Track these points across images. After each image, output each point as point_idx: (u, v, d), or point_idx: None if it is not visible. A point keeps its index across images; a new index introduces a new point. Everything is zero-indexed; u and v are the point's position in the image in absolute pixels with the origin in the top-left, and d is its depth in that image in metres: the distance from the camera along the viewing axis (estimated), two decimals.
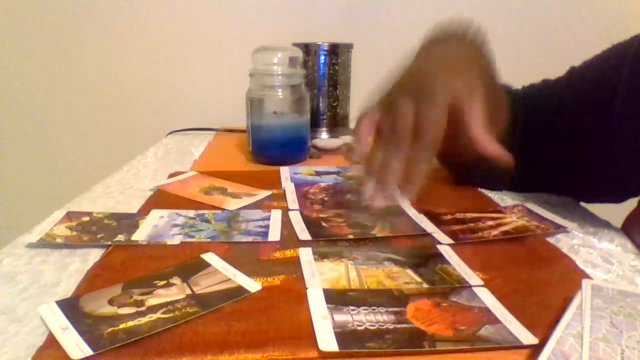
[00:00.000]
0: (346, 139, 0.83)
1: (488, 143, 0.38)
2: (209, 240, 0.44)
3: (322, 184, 0.61)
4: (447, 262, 0.40)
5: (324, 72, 0.82)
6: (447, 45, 0.43)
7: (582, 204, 0.58)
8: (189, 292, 0.34)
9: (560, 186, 0.59)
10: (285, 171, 0.67)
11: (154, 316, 0.31)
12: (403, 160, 0.38)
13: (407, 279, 0.37)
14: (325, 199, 0.56)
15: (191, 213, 0.50)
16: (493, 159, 0.38)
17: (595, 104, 0.51)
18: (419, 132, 0.37)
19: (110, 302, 0.33)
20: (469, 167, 0.58)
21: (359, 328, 0.30)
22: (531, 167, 0.58)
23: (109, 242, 0.43)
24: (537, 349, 0.28)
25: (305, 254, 0.41)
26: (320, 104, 0.84)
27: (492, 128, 0.38)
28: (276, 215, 0.50)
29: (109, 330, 0.30)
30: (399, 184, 0.39)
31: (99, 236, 0.44)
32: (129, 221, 0.48)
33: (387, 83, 0.41)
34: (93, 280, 0.36)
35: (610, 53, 0.53)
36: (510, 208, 0.53)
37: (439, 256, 0.41)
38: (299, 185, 0.60)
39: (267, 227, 0.47)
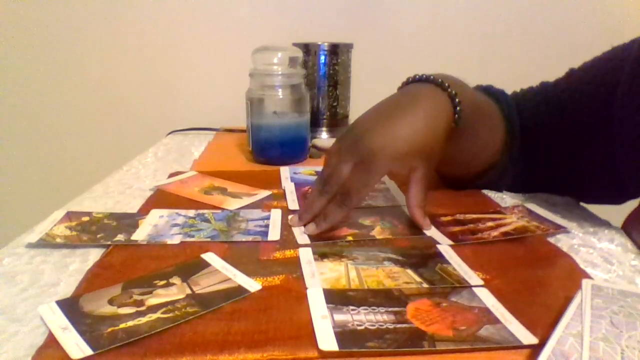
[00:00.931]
0: None
1: (418, 220, 0.46)
2: (208, 239, 0.44)
3: None
4: (447, 262, 0.40)
5: (324, 72, 0.82)
6: (409, 108, 0.47)
7: (582, 204, 0.58)
8: (188, 291, 0.34)
9: (559, 188, 0.59)
10: (285, 171, 0.67)
11: (154, 316, 0.31)
12: (324, 203, 0.45)
13: (407, 279, 0.37)
14: None
15: (191, 213, 0.50)
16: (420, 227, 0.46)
17: (594, 106, 0.51)
18: (346, 190, 0.44)
19: (110, 302, 0.33)
20: (463, 181, 0.59)
21: (358, 328, 0.30)
22: (531, 168, 0.58)
23: (109, 242, 0.43)
24: (537, 349, 0.28)
25: (305, 254, 0.41)
26: (320, 104, 0.84)
27: (424, 203, 0.46)
28: (276, 215, 0.50)
29: (109, 330, 0.30)
30: (314, 219, 0.46)
31: (98, 236, 0.44)
32: (129, 221, 0.48)
33: (350, 127, 0.47)
34: (93, 280, 0.36)
35: (610, 55, 0.53)
36: (511, 208, 0.53)
37: (439, 256, 0.41)
38: (298, 185, 0.60)
39: (267, 226, 0.47)
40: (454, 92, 0.47)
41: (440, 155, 0.47)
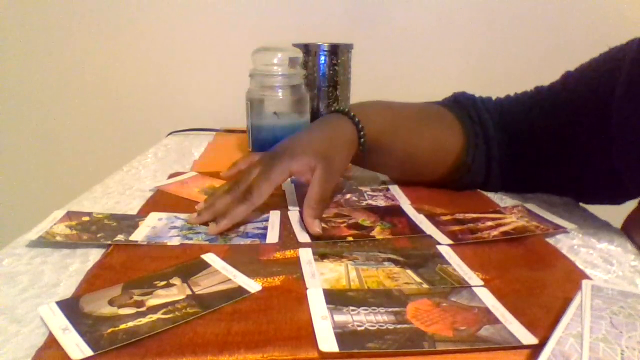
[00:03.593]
0: None
1: (305, 219, 0.47)
2: (207, 242, 0.44)
3: None
4: (447, 263, 0.40)
5: (324, 72, 0.82)
6: (313, 127, 0.56)
7: (582, 204, 0.58)
8: (189, 292, 0.34)
9: (558, 188, 0.59)
10: None
11: (154, 316, 0.31)
12: (227, 201, 0.48)
13: (407, 279, 0.37)
14: None
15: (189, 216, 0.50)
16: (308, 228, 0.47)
17: (592, 107, 0.51)
18: (249, 187, 0.47)
19: (111, 302, 0.33)
20: (439, 183, 0.61)
21: (359, 328, 0.30)
22: (526, 170, 0.59)
23: (109, 241, 0.43)
24: (537, 349, 0.28)
25: (305, 254, 0.41)
26: (320, 105, 0.84)
27: (319, 205, 0.48)
28: (275, 216, 0.50)
29: (109, 330, 0.30)
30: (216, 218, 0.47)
31: (99, 235, 0.44)
32: (129, 222, 0.48)
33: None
34: (93, 281, 0.36)
35: (607, 56, 0.53)
36: (510, 208, 0.53)
37: (439, 256, 0.41)
38: (298, 185, 0.60)
39: (266, 228, 0.47)
40: (356, 117, 0.53)
41: (342, 162, 0.51)
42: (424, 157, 0.58)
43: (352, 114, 0.53)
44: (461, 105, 0.61)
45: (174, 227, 0.47)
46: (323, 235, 0.45)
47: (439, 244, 0.44)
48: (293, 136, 0.53)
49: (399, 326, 0.30)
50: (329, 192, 0.49)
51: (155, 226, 0.47)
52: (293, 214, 0.51)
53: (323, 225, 0.47)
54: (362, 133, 0.53)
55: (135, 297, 0.34)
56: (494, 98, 0.63)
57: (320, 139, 0.52)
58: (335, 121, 0.54)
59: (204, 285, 0.36)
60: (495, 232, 0.46)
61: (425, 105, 0.62)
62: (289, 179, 0.63)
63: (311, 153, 0.49)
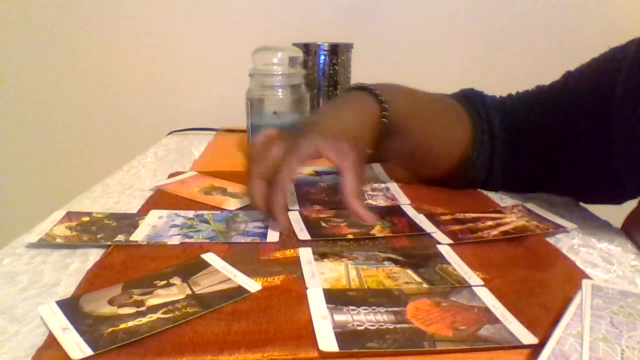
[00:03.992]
0: None
1: (355, 208, 0.44)
2: (207, 241, 0.44)
3: (322, 184, 0.61)
4: (447, 262, 0.40)
5: (324, 72, 0.82)
6: (337, 106, 0.54)
7: (582, 204, 0.58)
8: (189, 292, 0.34)
9: (558, 188, 0.59)
10: None
11: (154, 316, 0.31)
12: (264, 190, 0.45)
13: (407, 278, 0.37)
14: (325, 199, 0.56)
15: (190, 214, 0.50)
16: (359, 219, 0.45)
17: (592, 107, 0.51)
18: (277, 168, 0.45)
19: (111, 302, 0.33)
20: (442, 179, 0.61)
21: (359, 328, 0.30)
22: (526, 169, 0.59)
23: (109, 242, 0.43)
24: (537, 349, 0.28)
25: (305, 254, 0.41)
26: (321, 104, 0.84)
27: (360, 191, 0.45)
28: None
29: (109, 330, 0.29)
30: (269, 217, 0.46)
31: (99, 236, 0.44)
32: (129, 221, 0.48)
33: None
34: (93, 280, 0.36)
35: (607, 56, 0.53)
36: (510, 208, 0.53)
37: (439, 256, 0.41)
38: (299, 185, 0.60)
39: (266, 227, 0.47)
40: (381, 96, 0.51)
41: (368, 146, 0.50)
42: (436, 147, 0.58)
43: (377, 92, 0.51)
44: (470, 101, 0.61)
45: (175, 226, 0.47)
46: (323, 233, 0.45)
47: (439, 243, 0.44)
48: (318, 112, 0.51)
49: (399, 326, 0.30)
50: (361, 177, 0.47)
51: (155, 225, 0.47)
52: (293, 213, 0.51)
53: (323, 224, 0.48)
54: (386, 114, 0.51)
55: (135, 297, 0.34)
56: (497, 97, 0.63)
57: (348, 119, 0.50)
58: (360, 99, 0.52)
59: (204, 284, 0.36)
60: (495, 232, 0.46)
61: (441, 96, 0.62)
62: None
63: (341, 134, 0.47)
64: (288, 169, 0.44)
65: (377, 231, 0.46)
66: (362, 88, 0.53)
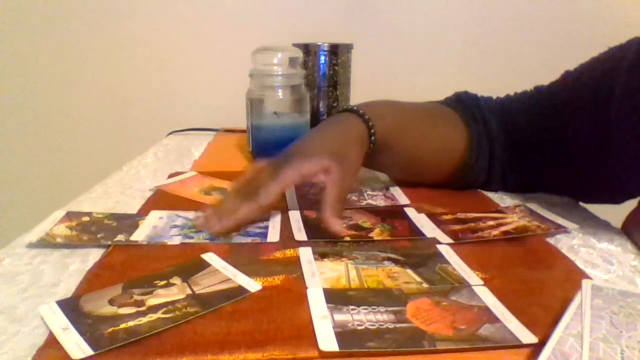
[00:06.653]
0: None
1: (328, 221, 0.45)
2: (207, 241, 0.44)
3: (323, 185, 0.61)
4: (447, 262, 0.40)
5: (324, 72, 0.82)
6: (323, 127, 0.54)
7: (582, 204, 0.58)
8: (189, 292, 0.34)
9: (557, 188, 0.59)
10: None
11: (154, 316, 0.31)
12: (233, 203, 0.47)
13: (407, 278, 0.37)
14: None
15: (190, 214, 0.50)
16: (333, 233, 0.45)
17: (591, 107, 0.51)
18: (255, 191, 0.46)
19: (111, 302, 0.33)
20: (443, 184, 0.61)
21: (359, 328, 0.30)
22: (525, 170, 0.59)
23: (109, 242, 0.43)
24: (537, 348, 0.28)
25: (305, 254, 0.41)
26: (320, 105, 0.84)
27: (339, 205, 0.47)
28: (276, 216, 0.50)
29: (110, 330, 0.30)
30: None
31: (99, 236, 0.44)
32: (129, 222, 0.48)
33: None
34: (93, 280, 0.36)
35: (606, 56, 0.53)
36: (512, 208, 0.53)
37: (439, 256, 0.41)
38: (299, 187, 0.60)
39: (267, 227, 0.47)
40: (366, 115, 0.52)
41: (356, 159, 0.50)
42: (430, 158, 0.58)
43: (361, 112, 0.52)
44: (465, 105, 0.61)
45: (175, 226, 0.47)
46: (320, 234, 0.45)
47: (439, 243, 0.44)
48: (303, 137, 0.52)
49: (399, 325, 0.30)
50: (346, 191, 0.49)
51: (156, 225, 0.47)
52: (293, 214, 0.51)
53: (322, 225, 0.47)
54: (372, 131, 0.52)
55: (136, 297, 0.34)
56: (494, 97, 0.63)
57: (331, 138, 0.51)
58: (345, 120, 0.53)
59: (204, 284, 0.36)
60: (496, 232, 0.46)
61: (431, 105, 0.62)
62: None
63: (323, 153, 0.47)
64: (265, 193, 0.46)
65: (376, 234, 0.46)
66: (347, 110, 0.54)
